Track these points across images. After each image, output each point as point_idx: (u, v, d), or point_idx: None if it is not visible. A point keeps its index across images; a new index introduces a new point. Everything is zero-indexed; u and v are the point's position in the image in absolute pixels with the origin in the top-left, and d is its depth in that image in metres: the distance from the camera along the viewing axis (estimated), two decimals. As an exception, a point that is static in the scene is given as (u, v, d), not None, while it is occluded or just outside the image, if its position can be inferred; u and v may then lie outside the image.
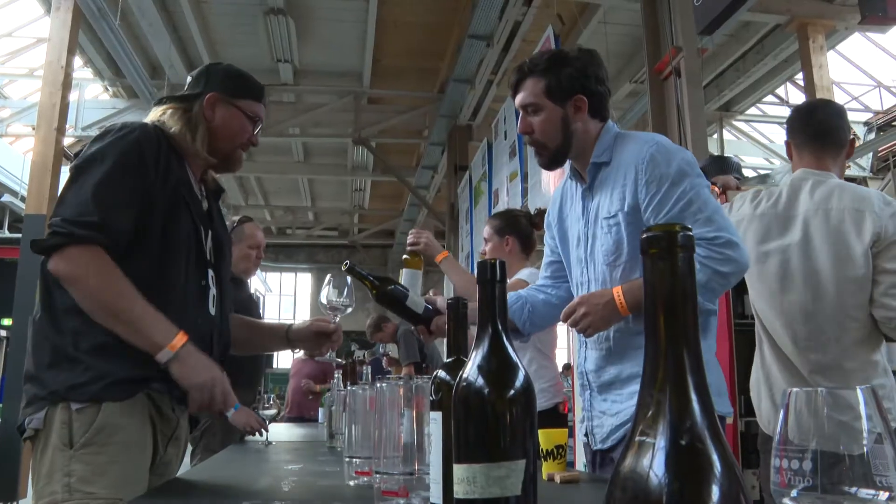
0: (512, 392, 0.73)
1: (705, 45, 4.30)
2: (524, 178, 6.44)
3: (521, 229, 3.29)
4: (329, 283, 2.01)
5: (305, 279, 18.60)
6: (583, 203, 1.98)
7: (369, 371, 3.84)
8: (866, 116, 11.37)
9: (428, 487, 1.33)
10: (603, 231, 1.88)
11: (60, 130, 6.23)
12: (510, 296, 2.13)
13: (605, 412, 1.91)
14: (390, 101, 10.46)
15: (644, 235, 0.48)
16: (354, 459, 1.62)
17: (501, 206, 6.99)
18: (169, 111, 1.88)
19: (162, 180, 1.74)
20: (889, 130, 9.97)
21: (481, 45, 7.46)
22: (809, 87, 6.83)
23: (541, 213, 3.43)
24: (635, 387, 1.80)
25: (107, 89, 10.09)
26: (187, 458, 2.25)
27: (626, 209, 1.82)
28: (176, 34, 8.51)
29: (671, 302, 0.46)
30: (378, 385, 1.41)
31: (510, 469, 0.69)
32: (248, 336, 2.12)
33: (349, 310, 2.03)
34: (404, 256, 2.43)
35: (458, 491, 0.71)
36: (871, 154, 10.25)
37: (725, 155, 7.49)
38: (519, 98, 1.93)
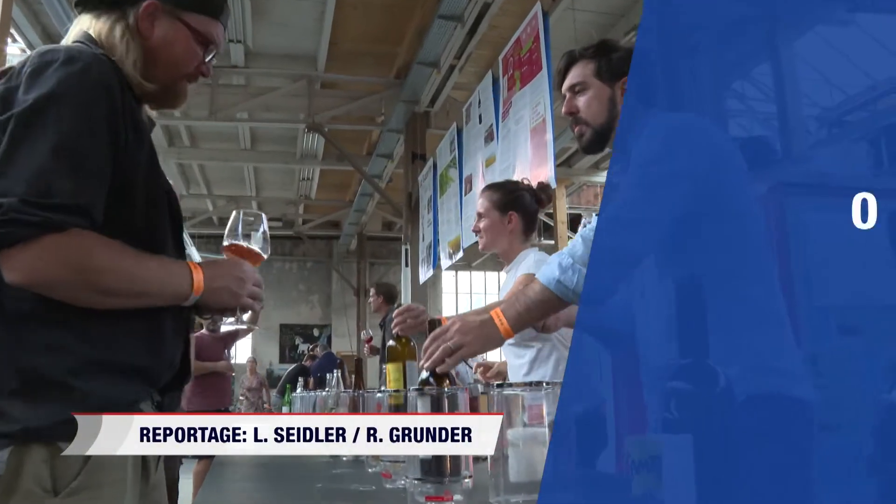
0: None
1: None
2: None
3: (526, 206, 2.83)
4: (239, 218, 1.51)
5: (247, 272, 18.04)
6: None
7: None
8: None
9: None
10: None
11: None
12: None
13: None
14: (345, 87, 10.07)
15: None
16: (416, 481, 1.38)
17: (475, 193, 6.72)
18: (102, 18, 1.37)
19: (133, 130, 1.29)
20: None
21: (450, 27, 7.19)
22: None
23: (544, 187, 3.05)
24: None
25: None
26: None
27: None
28: (121, 9, 7.96)
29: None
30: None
31: None
32: None
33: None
34: (391, 344, 2.06)
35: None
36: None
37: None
38: (567, 81, 1.90)
